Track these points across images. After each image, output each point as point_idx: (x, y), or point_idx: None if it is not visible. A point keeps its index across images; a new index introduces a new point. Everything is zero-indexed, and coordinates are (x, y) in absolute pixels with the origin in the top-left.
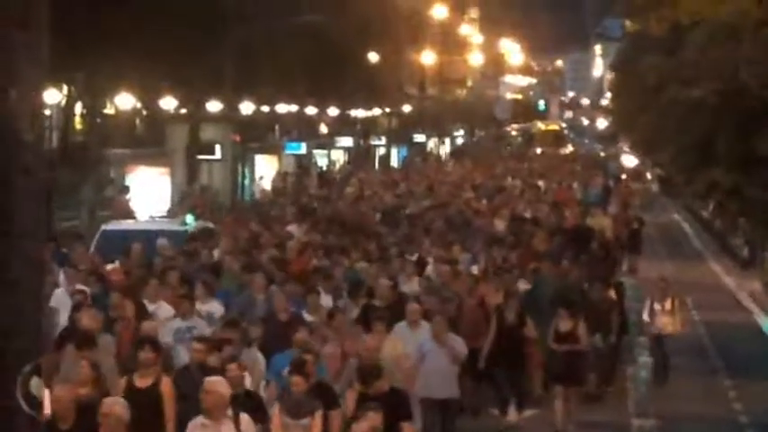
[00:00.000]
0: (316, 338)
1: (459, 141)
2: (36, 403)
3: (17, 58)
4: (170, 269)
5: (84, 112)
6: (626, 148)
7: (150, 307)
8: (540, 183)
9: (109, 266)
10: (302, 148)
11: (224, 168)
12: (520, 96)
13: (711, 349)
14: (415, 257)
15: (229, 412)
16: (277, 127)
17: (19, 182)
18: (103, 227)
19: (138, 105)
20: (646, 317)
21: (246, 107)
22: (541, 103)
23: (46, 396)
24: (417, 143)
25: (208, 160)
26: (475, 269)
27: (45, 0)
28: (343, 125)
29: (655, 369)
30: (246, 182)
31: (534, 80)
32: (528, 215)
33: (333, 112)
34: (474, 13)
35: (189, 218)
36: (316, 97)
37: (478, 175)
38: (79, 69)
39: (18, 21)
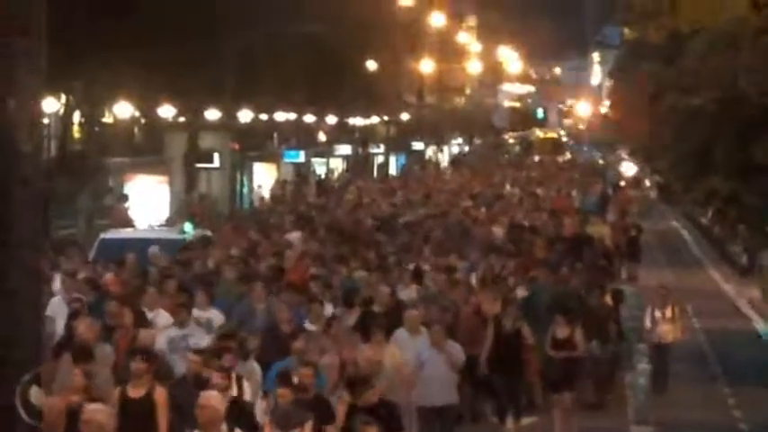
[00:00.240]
0: (314, 349)
1: (458, 149)
2: (35, 412)
3: (17, 66)
4: (168, 278)
5: (83, 120)
6: (624, 156)
7: (149, 315)
8: (539, 191)
9: (107, 275)
10: (301, 156)
11: (222, 176)
12: (518, 104)
13: (711, 356)
14: (411, 266)
15: (224, 427)
16: (275, 135)
17: (17, 192)
18: (102, 235)
19: (137, 114)
20: (647, 324)
21: (245, 115)
22: (540, 111)
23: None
24: (416, 151)
25: (206, 168)
26: (473, 277)
27: (44, 8)
28: (341, 133)
29: (654, 377)
30: (245, 190)
31: (532, 88)
32: (526, 223)
33: (331, 120)
34: (472, 21)
35: (187, 226)
36: (314, 105)
37: (477, 184)
38: (77, 78)
39: (19, 29)
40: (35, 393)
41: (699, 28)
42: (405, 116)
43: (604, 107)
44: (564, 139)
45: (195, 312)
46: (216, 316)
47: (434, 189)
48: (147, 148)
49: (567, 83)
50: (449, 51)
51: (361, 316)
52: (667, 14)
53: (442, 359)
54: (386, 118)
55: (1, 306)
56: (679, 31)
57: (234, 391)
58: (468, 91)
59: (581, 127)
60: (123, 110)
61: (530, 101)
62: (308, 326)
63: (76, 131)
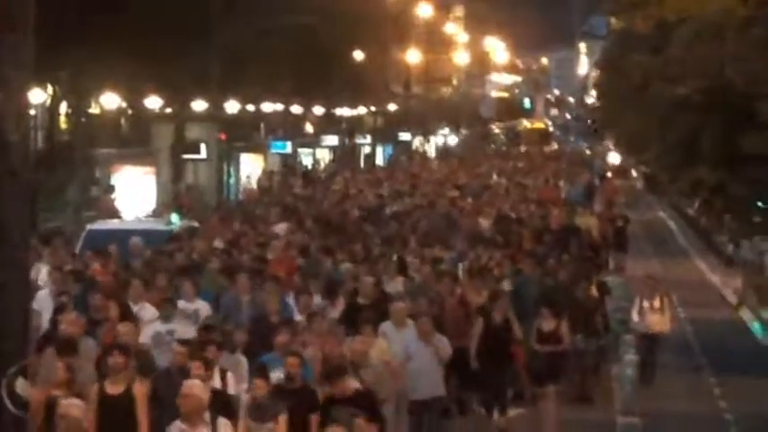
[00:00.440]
0: (298, 341)
1: (445, 140)
2: (21, 403)
3: (3, 59)
4: (157, 271)
5: (70, 111)
6: (611, 146)
7: (134, 308)
8: (526, 181)
9: (94, 266)
10: (288, 147)
11: (209, 167)
12: (505, 95)
13: (696, 346)
14: (395, 257)
15: (207, 416)
16: (262, 126)
17: (4, 184)
18: (89, 227)
19: (124, 105)
20: (635, 316)
21: (232, 106)
22: (527, 102)
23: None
24: (402, 142)
25: (193, 159)
26: (460, 268)
27: (32, 3)
28: (328, 124)
29: (641, 368)
30: (232, 181)
31: (519, 78)
32: (513, 215)
33: (318, 110)
34: (459, 11)
35: (174, 217)
36: (301, 96)
37: (464, 174)
38: (64, 69)
39: (6, 24)
40: (21, 385)
41: (685, 17)
42: (392, 107)
43: (591, 97)
44: (551, 129)
45: (181, 304)
46: (203, 307)
47: (421, 179)
48: (133, 140)
49: (554, 73)
50: (436, 42)
51: (346, 308)
52: (654, 4)
53: (430, 352)
54: (373, 109)
55: None
56: (665, 20)
57: (217, 384)
58: (455, 81)
59: (568, 117)
60: (110, 101)
61: (517, 91)
62: (298, 317)
63: (63, 122)
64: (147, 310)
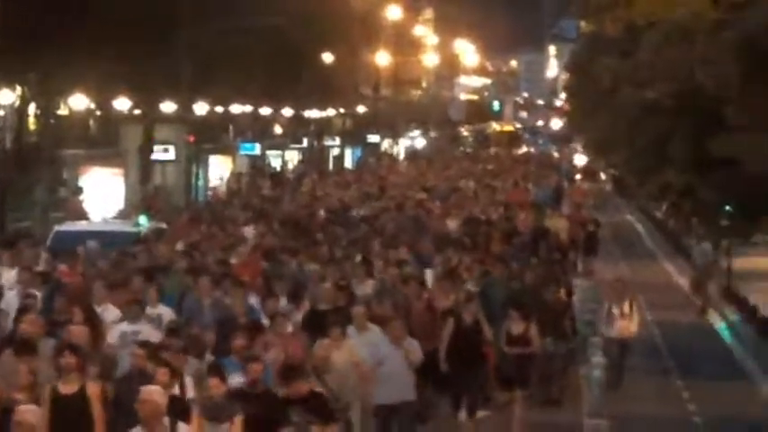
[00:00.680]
0: (259, 344)
1: (414, 143)
2: None
3: None
4: (124, 272)
5: (38, 112)
6: (580, 149)
7: (97, 310)
8: (495, 183)
9: (61, 267)
10: (256, 149)
11: (178, 169)
12: (475, 97)
13: (664, 349)
14: (359, 259)
15: (166, 421)
16: (231, 128)
17: None
18: (56, 228)
19: (92, 106)
20: (603, 320)
21: (201, 108)
22: (496, 104)
23: None
24: (371, 144)
25: (162, 161)
26: (427, 272)
27: None
28: (297, 126)
29: (610, 371)
30: (200, 182)
31: (489, 81)
32: (482, 217)
33: (287, 112)
34: (429, 13)
35: (142, 219)
36: (270, 98)
37: (432, 177)
38: (33, 70)
39: None
40: None
41: (654, 20)
42: (361, 109)
43: (560, 100)
44: (520, 132)
45: (147, 309)
46: (165, 312)
47: (389, 182)
48: (102, 141)
49: (523, 76)
50: (405, 44)
51: (308, 313)
52: (623, 7)
53: (400, 355)
54: (342, 111)
55: None
56: (635, 23)
57: (176, 389)
58: (424, 84)
59: (538, 121)
60: (78, 102)
61: (486, 94)
62: (265, 320)
63: (32, 123)
64: (110, 312)
